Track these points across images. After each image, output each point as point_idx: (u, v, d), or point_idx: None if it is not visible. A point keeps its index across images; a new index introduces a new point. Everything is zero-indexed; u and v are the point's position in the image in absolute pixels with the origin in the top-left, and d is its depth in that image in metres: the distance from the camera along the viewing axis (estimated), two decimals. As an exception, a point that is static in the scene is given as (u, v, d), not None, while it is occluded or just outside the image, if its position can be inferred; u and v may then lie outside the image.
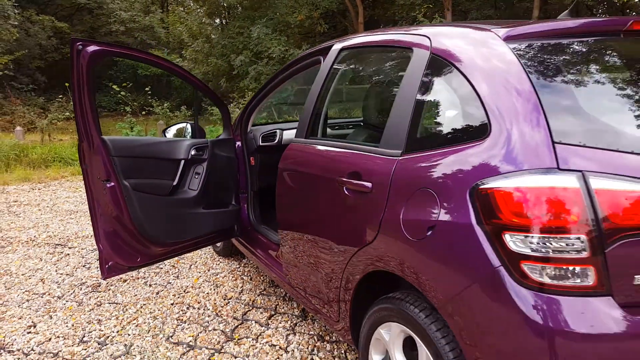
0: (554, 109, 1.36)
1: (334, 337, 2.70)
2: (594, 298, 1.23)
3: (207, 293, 3.32)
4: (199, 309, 3.09)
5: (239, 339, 2.71)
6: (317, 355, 2.52)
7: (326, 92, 2.40)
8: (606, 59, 1.65)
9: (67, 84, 13.66)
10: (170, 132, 3.41)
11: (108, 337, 2.77)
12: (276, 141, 3.46)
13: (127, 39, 24.75)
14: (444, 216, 1.46)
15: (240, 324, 2.88)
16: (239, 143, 3.40)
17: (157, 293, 3.34)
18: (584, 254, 1.22)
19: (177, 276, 3.63)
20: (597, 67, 1.60)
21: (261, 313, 3.01)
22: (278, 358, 2.51)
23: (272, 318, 2.94)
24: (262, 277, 3.56)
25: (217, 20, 21.69)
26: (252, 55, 15.95)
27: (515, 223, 1.28)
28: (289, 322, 2.89)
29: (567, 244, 1.23)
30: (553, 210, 1.24)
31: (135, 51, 2.78)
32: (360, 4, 18.64)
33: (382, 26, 18.93)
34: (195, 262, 3.91)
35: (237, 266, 3.80)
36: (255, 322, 2.89)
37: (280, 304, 3.13)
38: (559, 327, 1.22)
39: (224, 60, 17.46)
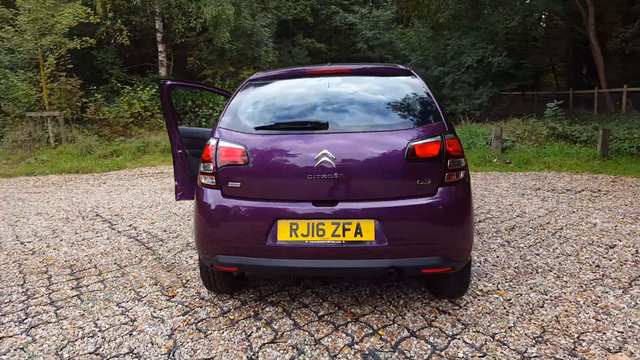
0: (229, 113, 3.07)
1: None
2: (215, 190, 2.94)
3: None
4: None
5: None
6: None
7: None
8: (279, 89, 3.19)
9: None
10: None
11: (152, 221, 5.71)
12: None
13: (371, 54, 28.46)
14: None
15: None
16: None
17: (188, 212, 5.85)
18: (212, 172, 2.95)
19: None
20: (270, 93, 3.16)
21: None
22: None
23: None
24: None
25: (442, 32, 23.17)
26: (452, 66, 17.22)
27: (203, 158, 3.07)
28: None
29: (208, 168, 2.98)
30: (207, 153, 3.00)
31: (191, 82, 5.19)
32: (591, 3, 17.43)
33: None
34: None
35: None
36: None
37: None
38: (205, 200, 2.95)
39: (432, 70, 19.14)
